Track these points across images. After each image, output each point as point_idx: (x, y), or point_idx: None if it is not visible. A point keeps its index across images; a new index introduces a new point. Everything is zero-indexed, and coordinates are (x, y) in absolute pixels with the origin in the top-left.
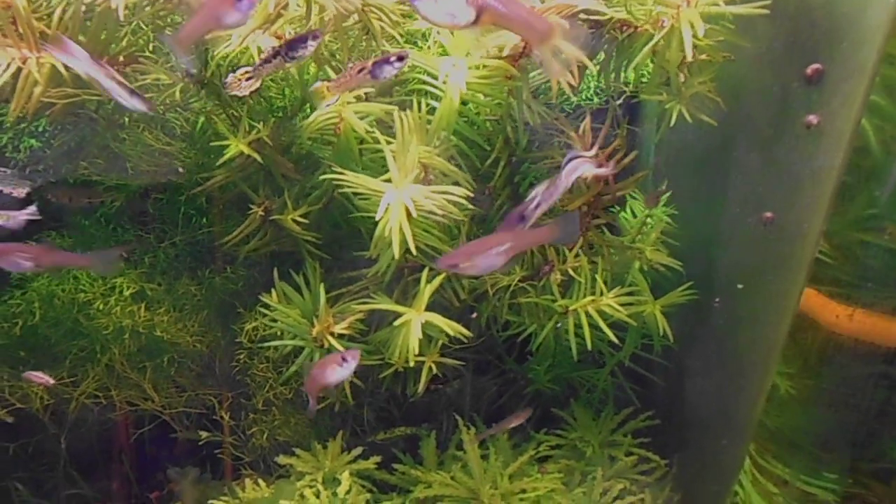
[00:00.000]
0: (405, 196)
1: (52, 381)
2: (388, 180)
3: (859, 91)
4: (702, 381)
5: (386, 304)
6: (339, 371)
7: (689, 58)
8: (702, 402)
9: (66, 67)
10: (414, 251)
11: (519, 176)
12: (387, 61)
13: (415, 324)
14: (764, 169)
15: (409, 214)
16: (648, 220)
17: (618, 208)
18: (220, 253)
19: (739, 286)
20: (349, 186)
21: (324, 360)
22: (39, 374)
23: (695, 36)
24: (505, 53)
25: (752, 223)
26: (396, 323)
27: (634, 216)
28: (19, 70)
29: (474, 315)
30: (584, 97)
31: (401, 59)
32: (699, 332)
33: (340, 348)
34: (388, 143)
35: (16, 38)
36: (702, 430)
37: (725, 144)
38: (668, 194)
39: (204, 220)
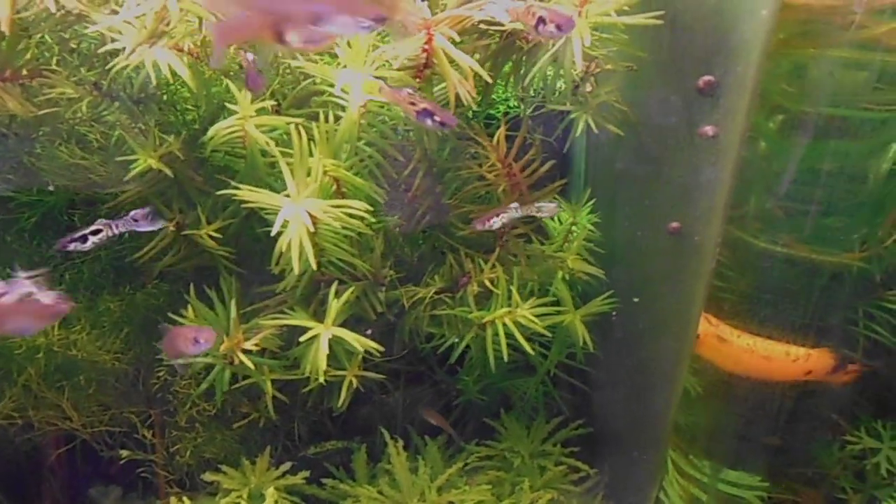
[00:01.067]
0: (302, 210)
1: None
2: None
3: (742, 103)
4: (611, 393)
5: (295, 320)
6: (192, 348)
7: (580, 68)
8: (614, 414)
9: None
10: (314, 266)
11: (441, 185)
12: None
13: (322, 338)
14: (660, 179)
15: (312, 228)
16: (573, 228)
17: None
18: (143, 268)
19: (635, 300)
20: (252, 201)
21: (180, 330)
22: None
23: (587, 46)
24: (405, 65)
25: (650, 235)
26: (303, 338)
27: (561, 224)
28: None
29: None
30: (508, 106)
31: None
32: (603, 344)
33: (250, 365)
34: (284, 154)
35: None
36: (618, 441)
37: (627, 155)
38: (590, 203)
39: (125, 234)
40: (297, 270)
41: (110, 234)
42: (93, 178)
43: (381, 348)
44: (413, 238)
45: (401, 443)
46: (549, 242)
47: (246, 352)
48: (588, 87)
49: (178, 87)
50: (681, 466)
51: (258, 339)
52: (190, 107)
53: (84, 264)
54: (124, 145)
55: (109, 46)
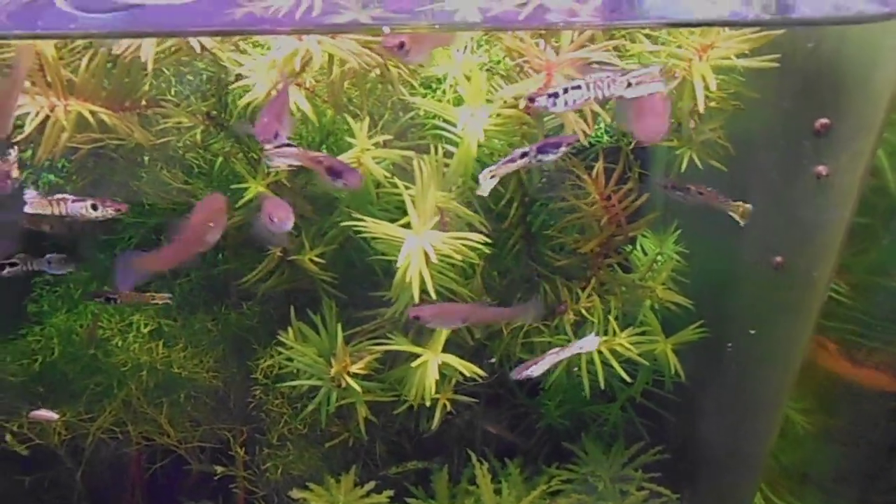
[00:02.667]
0: (425, 242)
1: (56, 417)
2: (406, 225)
3: (867, 147)
4: (715, 420)
5: (403, 346)
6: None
7: (701, 109)
8: (715, 440)
9: (92, 114)
10: (434, 295)
11: (531, 216)
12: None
13: (432, 364)
14: (774, 216)
15: (435, 260)
16: (658, 258)
17: (630, 247)
18: (234, 289)
19: (752, 331)
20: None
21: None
22: (44, 412)
23: (706, 88)
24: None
25: (763, 268)
26: (415, 364)
27: (645, 254)
28: (47, 117)
29: (493, 360)
30: (594, 136)
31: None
32: (712, 372)
33: (357, 388)
34: (407, 188)
35: (44, 86)
36: (713, 467)
37: (735, 190)
38: (676, 234)
39: (220, 256)
40: (416, 300)
41: (24, 268)
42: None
43: (485, 374)
44: (504, 266)
45: (486, 465)
46: (635, 273)
47: (352, 375)
48: (692, 124)
49: None
50: (769, 496)
51: (364, 362)
52: (291, 136)
53: (178, 284)
54: (225, 170)
55: (241, 83)
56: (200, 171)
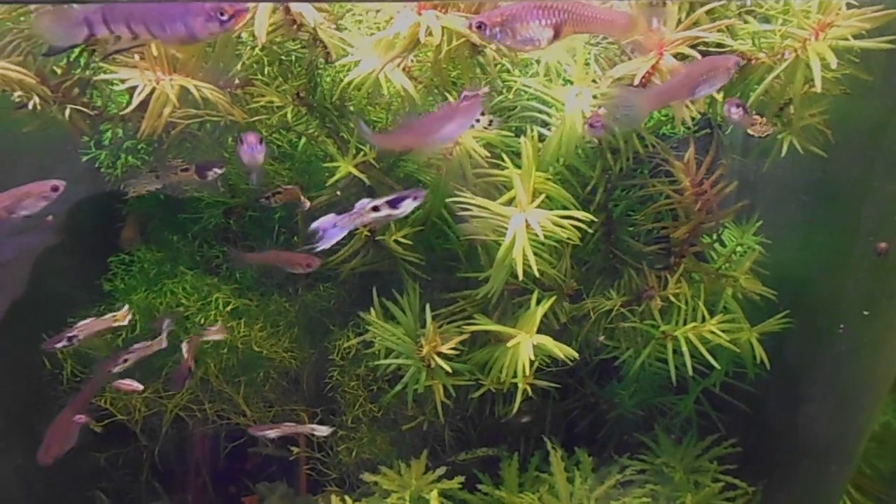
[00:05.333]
0: (532, 220)
1: (140, 388)
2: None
3: None
4: (814, 407)
5: (494, 326)
6: None
7: (818, 88)
8: (810, 429)
9: (198, 88)
10: (536, 273)
11: (612, 202)
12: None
13: (526, 345)
14: (883, 199)
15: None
16: (738, 248)
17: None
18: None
19: (865, 313)
20: (463, 208)
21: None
22: (129, 381)
23: (826, 68)
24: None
25: (857, 255)
26: (510, 344)
27: (723, 245)
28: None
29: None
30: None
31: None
32: (817, 358)
33: (447, 368)
34: (508, 168)
35: (152, 60)
36: (804, 457)
37: (836, 177)
38: (758, 224)
39: (294, 238)
40: (521, 277)
41: None
42: (276, 184)
43: (577, 357)
44: (583, 251)
45: (559, 453)
46: (715, 261)
47: (441, 356)
48: (791, 109)
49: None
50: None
51: (454, 342)
52: (378, 118)
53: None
54: (307, 151)
55: (344, 61)
56: (283, 152)
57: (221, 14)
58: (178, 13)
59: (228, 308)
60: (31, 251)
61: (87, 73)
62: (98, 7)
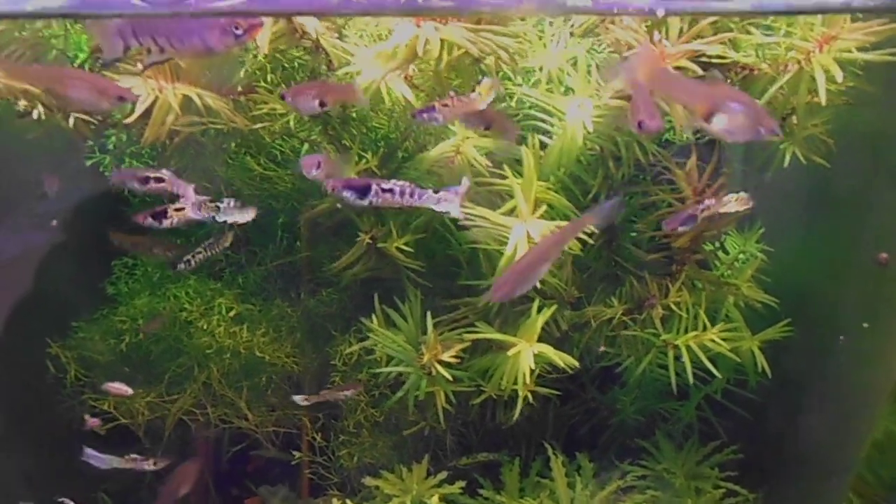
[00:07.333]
0: (533, 230)
1: (129, 391)
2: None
3: None
4: (813, 417)
5: (495, 334)
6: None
7: (823, 101)
8: (809, 438)
9: (200, 97)
10: (538, 283)
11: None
12: None
13: (526, 353)
14: (884, 210)
15: None
16: (741, 255)
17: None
18: (308, 276)
19: (865, 325)
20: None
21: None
22: (118, 384)
23: (830, 80)
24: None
25: (856, 265)
26: (510, 353)
27: (726, 252)
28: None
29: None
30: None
31: None
32: (817, 368)
33: (448, 376)
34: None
35: (155, 69)
36: (804, 464)
37: (838, 186)
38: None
39: (297, 243)
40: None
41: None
42: (277, 190)
43: (578, 365)
44: (585, 259)
45: (560, 458)
46: (716, 269)
47: (442, 363)
48: (794, 119)
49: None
50: None
51: (455, 350)
52: (380, 125)
53: (250, 271)
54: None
55: (346, 69)
56: (284, 158)
57: (236, 28)
58: (195, 28)
59: (231, 313)
60: (36, 254)
61: None
62: (127, 21)
